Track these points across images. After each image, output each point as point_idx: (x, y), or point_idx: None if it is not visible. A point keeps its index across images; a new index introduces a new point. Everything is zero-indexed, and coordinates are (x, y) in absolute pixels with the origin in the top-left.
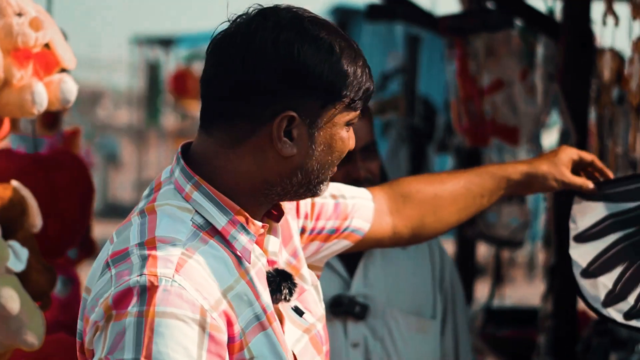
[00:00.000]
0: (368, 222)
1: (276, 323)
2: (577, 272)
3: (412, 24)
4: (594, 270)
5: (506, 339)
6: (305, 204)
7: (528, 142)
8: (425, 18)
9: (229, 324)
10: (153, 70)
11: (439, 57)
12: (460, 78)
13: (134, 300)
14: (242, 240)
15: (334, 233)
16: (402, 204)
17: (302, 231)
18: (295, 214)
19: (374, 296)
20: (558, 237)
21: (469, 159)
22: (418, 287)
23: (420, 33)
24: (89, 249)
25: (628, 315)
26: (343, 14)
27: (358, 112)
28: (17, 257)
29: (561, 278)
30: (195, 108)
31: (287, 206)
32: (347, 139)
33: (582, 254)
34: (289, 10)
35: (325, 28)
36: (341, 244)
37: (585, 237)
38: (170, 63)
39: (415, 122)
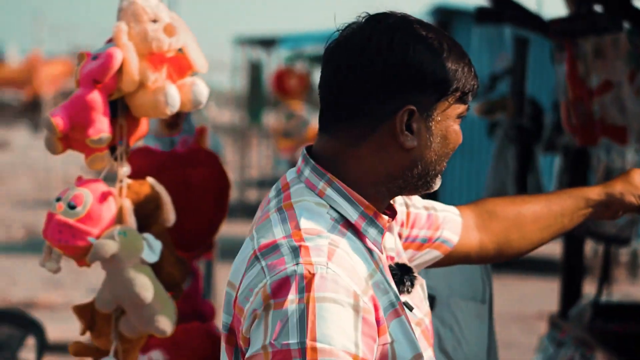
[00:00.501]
0: (457, 234)
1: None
2: None
3: (520, 27)
4: None
5: (615, 333)
6: (401, 213)
7: (637, 141)
8: (533, 20)
9: (375, 308)
10: (255, 70)
11: (546, 59)
12: (570, 79)
13: (293, 287)
14: (373, 233)
15: (426, 242)
16: (488, 220)
17: (399, 238)
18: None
19: (437, 286)
20: None
21: (576, 158)
22: (470, 273)
23: (529, 35)
24: (209, 245)
25: None
26: (444, 14)
27: (467, 105)
28: (151, 249)
29: None
30: (298, 108)
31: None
32: (459, 131)
33: None
34: (396, 15)
35: (432, 30)
36: (432, 254)
37: None
38: (272, 63)
39: (523, 122)
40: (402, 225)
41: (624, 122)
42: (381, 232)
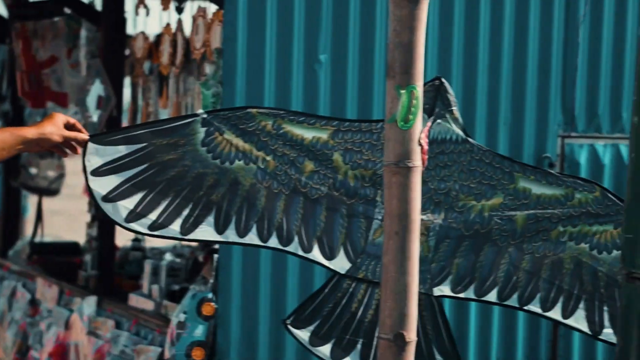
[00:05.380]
0: None
1: None
2: (98, 198)
3: None
4: (114, 196)
5: (54, 263)
6: None
7: (76, 105)
8: None
9: None
10: None
11: None
12: (23, 54)
13: None
14: None
15: None
16: None
17: None
18: None
19: None
20: None
21: (14, 123)
22: None
23: None
24: None
25: (152, 227)
26: None
27: None
28: None
29: (100, 221)
30: None
31: None
32: None
33: (100, 185)
34: None
35: None
36: None
37: (100, 172)
38: None
39: None
40: None
41: (65, 90)
42: None
